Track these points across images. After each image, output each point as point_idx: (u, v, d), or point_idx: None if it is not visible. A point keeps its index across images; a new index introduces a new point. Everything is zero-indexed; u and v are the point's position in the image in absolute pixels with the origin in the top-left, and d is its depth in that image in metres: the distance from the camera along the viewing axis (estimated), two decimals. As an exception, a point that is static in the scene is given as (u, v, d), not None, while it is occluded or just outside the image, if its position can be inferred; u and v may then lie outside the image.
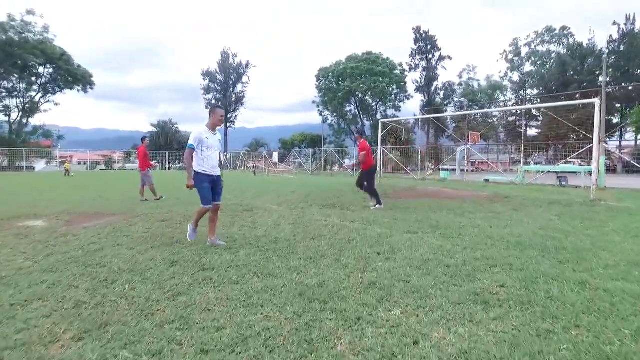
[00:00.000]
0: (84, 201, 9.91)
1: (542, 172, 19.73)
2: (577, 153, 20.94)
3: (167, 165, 51.64)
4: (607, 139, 40.88)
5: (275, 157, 36.86)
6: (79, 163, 55.52)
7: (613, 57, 43.69)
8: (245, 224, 6.51)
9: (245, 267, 3.97)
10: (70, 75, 46.13)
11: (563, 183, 18.51)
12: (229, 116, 60.53)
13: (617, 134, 43.84)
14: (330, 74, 53.53)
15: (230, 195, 11.64)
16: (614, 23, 42.23)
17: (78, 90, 48.93)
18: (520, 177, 20.16)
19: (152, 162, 10.95)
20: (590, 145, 13.11)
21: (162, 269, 3.87)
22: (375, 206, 8.59)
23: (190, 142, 4.79)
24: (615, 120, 46.07)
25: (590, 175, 17.96)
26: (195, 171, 4.81)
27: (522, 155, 22.85)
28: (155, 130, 57.14)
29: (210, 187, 4.93)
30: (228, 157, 53.47)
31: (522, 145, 22.21)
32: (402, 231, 5.90)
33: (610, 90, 41.39)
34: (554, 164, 28.63)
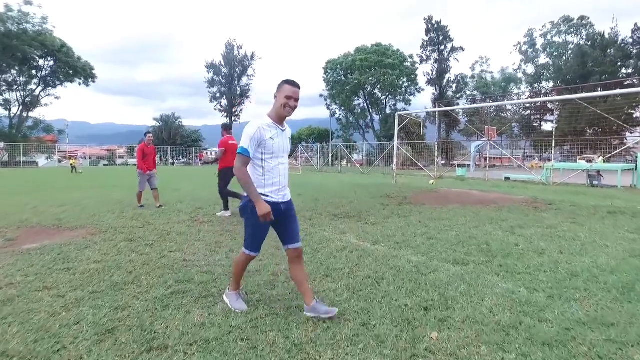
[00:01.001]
0: (56, 205, 8.45)
1: (578, 169, 17.93)
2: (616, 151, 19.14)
3: (170, 161, 50.40)
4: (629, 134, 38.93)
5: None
6: (86, 158, 54.47)
7: (637, 47, 41.41)
8: (235, 247, 4.99)
9: (218, 348, 2.44)
10: (70, 68, 44.84)
11: (595, 182, 16.80)
12: (233, 110, 58.99)
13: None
14: (339, 66, 51.77)
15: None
16: None
17: (80, 84, 47.70)
18: (545, 175, 18.47)
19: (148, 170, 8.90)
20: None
21: (86, 346, 2.36)
22: (221, 212, 7.59)
23: (242, 144, 2.70)
24: (638, 114, 43.74)
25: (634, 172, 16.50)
26: (248, 196, 2.74)
27: (552, 152, 20.99)
28: (158, 124, 55.79)
29: (267, 226, 2.84)
30: (233, 152, 52.11)
31: (554, 141, 20.33)
32: (445, 260, 4.35)
33: (634, 81, 39.16)
34: (570, 160, 26.82)
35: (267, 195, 2.75)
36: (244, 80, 60.28)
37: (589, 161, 22.36)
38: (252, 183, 2.70)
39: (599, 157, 22.39)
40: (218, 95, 59.68)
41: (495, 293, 3.33)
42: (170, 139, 53.43)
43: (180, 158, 51.89)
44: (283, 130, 2.84)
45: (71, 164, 29.36)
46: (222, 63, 59.36)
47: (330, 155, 35.79)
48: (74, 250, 4.68)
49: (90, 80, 47.97)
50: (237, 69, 59.34)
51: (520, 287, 3.50)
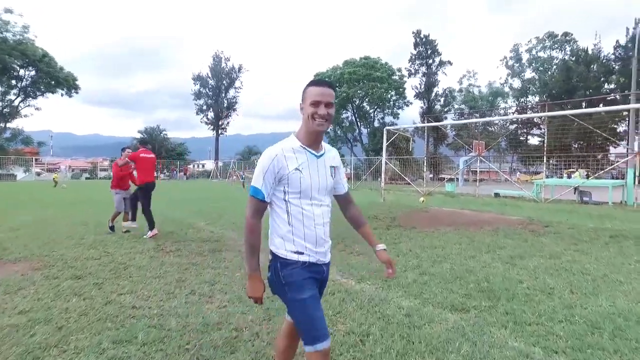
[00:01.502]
0: (7, 229, 7.62)
1: (569, 186, 17.61)
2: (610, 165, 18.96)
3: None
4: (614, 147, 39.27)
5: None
6: (67, 170, 52.90)
7: (619, 63, 42.07)
8: (198, 287, 4.30)
9: None
10: (52, 78, 43.70)
11: (585, 199, 16.48)
12: (220, 123, 58.25)
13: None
14: (327, 79, 51.57)
15: (202, 220, 9.44)
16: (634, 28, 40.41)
17: (62, 94, 46.51)
18: (536, 191, 18.12)
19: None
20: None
21: None
22: (149, 234, 7.07)
23: (253, 181, 1.86)
24: (621, 129, 44.23)
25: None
26: (275, 255, 1.87)
27: (544, 167, 20.71)
28: (143, 137, 54.66)
29: (316, 295, 1.88)
30: (219, 165, 51.30)
31: (545, 156, 20.04)
32: (441, 305, 3.72)
33: (617, 97, 39.62)
34: (556, 175, 26.66)
35: (300, 253, 1.81)
36: (231, 92, 59.87)
37: (569, 176, 22.20)
38: (255, 250, 1.82)
39: (576, 170, 22.36)
40: (204, 107, 58.99)
41: (506, 357, 2.71)
42: (155, 152, 52.28)
43: (165, 172, 50.75)
44: (318, 156, 1.88)
45: (54, 178, 28.09)
46: (209, 75, 58.82)
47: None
48: (2, 294, 3.93)
49: (73, 91, 46.80)
50: (224, 81, 58.83)
51: (535, 345, 2.89)
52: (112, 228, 7.60)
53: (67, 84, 45.34)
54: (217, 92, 58.71)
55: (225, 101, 59.33)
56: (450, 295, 3.97)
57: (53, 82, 44.35)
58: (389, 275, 2.09)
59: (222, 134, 60.03)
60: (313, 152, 1.87)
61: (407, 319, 3.38)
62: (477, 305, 3.71)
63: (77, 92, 47.58)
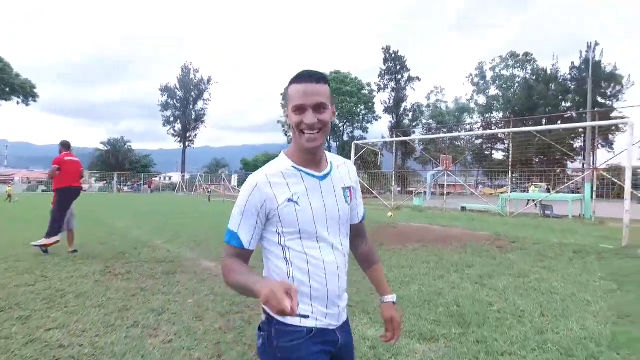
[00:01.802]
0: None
1: (533, 199, 18.07)
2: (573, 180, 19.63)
3: (117, 187, 47.34)
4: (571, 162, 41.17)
5: (235, 180, 33.81)
6: (29, 182, 49.88)
7: (575, 83, 44.35)
8: (143, 318, 3.85)
9: None
10: (6, 85, 41.43)
11: (547, 212, 16.93)
12: (187, 135, 57.00)
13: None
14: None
15: (160, 238, 8.89)
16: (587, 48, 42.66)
17: (18, 102, 44.16)
18: (501, 205, 18.47)
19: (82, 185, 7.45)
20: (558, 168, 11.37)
21: None
22: (44, 241, 6.58)
23: (229, 225, 1.31)
24: (577, 145, 46.41)
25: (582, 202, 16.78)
26: (268, 317, 1.28)
27: (509, 181, 21.22)
28: (106, 148, 52.65)
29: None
30: (186, 178, 50.00)
31: (510, 171, 20.54)
32: (409, 333, 3.44)
33: (573, 115, 41.60)
34: (519, 188, 27.54)
35: (305, 317, 1.25)
36: (200, 104, 58.85)
37: (527, 190, 23.04)
38: (241, 274, 1.22)
39: (530, 185, 23.30)
40: (172, 119, 57.65)
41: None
42: (119, 164, 50.43)
43: (128, 184, 48.92)
44: (322, 177, 1.32)
45: (7, 191, 26.08)
46: (178, 86, 57.68)
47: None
48: None
49: (30, 99, 44.53)
50: (192, 93, 57.82)
51: (508, 381, 2.65)
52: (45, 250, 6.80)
53: (23, 91, 43.05)
54: (185, 103, 57.58)
55: (194, 113, 58.25)
56: (418, 323, 3.71)
57: (8, 89, 42.06)
58: (387, 340, 1.51)
59: (189, 146, 58.76)
60: (313, 173, 1.31)
61: (371, 351, 3.08)
62: (446, 333, 3.46)
63: (35, 100, 45.27)
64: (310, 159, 1.30)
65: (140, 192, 46.03)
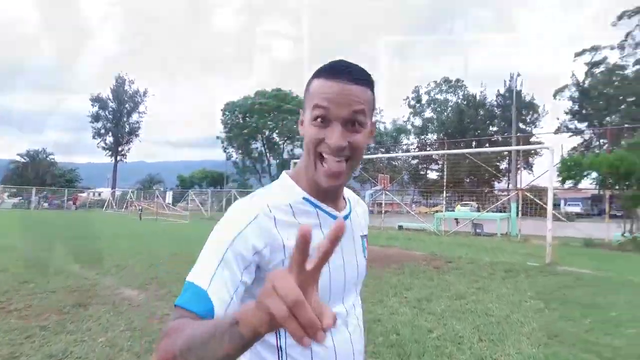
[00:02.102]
0: None
1: (465, 218, 18.93)
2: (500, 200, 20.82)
3: (35, 203, 43.05)
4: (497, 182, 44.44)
5: (169, 197, 32.09)
6: None
7: (500, 109, 48.14)
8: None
9: None
10: None
11: (478, 230, 17.81)
12: (120, 148, 53.68)
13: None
14: (237, 108, 50.76)
15: (76, 263, 7.94)
16: (511, 77, 46.58)
17: None
18: (436, 224, 19.14)
19: None
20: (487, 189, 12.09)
21: None
22: None
23: (191, 276, 0.74)
24: (502, 166, 50.20)
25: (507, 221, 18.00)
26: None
27: (443, 200, 22.14)
28: (23, 160, 47.92)
29: None
30: (117, 194, 46.78)
31: (445, 190, 21.45)
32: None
33: (499, 138, 45.03)
34: (451, 207, 29.12)
35: None
36: (134, 117, 55.82)
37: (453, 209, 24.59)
38: (200, 324, 0.62)
39: (457, 204, 24.94)
40: (103, 131, 54.05)
41: None
42: (38, 178, 46.00)
43: (49, 201, 44.65)
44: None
45: None
46: (110, 97, 54.40)
47: (224, 200, 33.66)
48: None
49: None
50: (126, 105, 54.79)
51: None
52: None
53: None
54: (118, 115, 54.33)
55: (127, 126, 55.10)
56: (356, 356, 3.46)
57: None
58: None
59: (121, 160, 55.29)
60: (331, 211, 0.89)
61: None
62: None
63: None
64: (325, 191, 0.86)
65: (64, 209, 42.19)
